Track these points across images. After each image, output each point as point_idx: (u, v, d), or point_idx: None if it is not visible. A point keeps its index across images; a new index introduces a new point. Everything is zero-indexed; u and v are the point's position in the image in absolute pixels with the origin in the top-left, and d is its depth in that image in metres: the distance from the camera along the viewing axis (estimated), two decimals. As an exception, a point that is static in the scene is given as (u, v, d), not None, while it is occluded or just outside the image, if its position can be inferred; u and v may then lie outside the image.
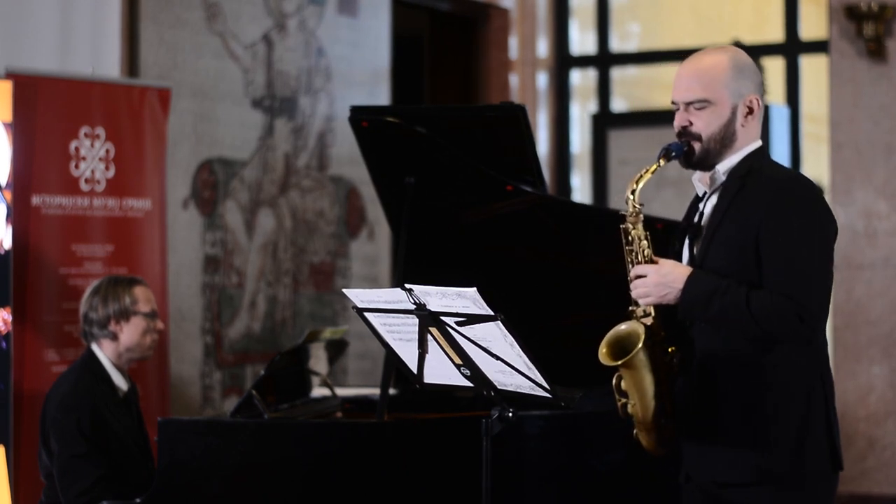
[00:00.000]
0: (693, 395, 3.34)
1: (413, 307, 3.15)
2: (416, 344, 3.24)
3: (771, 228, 3.23)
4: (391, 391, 4.74)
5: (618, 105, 8.79)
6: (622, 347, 3.32)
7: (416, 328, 3.20)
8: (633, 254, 3.37)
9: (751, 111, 3.35)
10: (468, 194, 4.63)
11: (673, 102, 3.39)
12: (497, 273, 4.81)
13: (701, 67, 3.35)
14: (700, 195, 3.45)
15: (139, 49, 6.06)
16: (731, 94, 3.33)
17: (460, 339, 3.14)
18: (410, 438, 4.22)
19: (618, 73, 8.76)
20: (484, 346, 3.13)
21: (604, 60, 8.55)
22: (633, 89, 9.28)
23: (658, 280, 3.30)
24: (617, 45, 8.81)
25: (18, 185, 4.99)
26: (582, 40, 8.78)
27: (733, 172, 3.34)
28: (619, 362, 3.29)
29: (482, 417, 3.22)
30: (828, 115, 7.37)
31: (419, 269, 4.26)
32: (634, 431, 3.40)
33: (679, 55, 8.79)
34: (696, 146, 3.34)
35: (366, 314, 3.27)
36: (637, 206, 3.36)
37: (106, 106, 5.34)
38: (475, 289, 3.02)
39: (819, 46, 7.81)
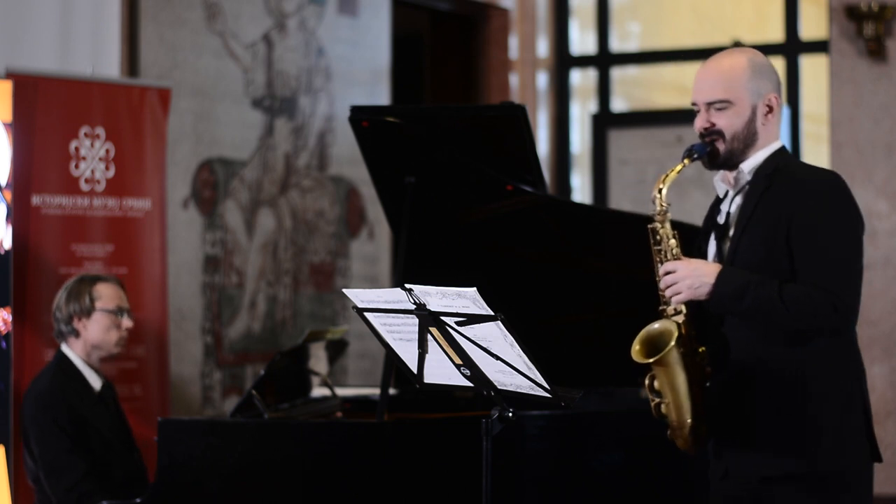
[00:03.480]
0: (730, 391, 3.35)
1: (413, 307, 3.14)
2: (416, 344, 3.24)
3: (802, 223, 3.27)
4: (391, 391, 4.74)
5: (618, 105, 8.79)
6: (655, 346, 3.34)
7: (416, 328, 3.20)
8: (662, 253, 3.41)
9: (770, 110, 3.41)
10: (468, 194, 4.63)
11: (693, 104, 3.43)
12: (497, 273, 4.81)
13: (720, 69, 3.40)
14: (721, 195, 3.48)
15: (139, 49, 6.05)
16: (751, 93, 3.38)
17: (460, 339, 3.14)
18: (410, 438, 4.22)
19: (618, 73, 8.76)
20: (484, 346, 3.13)
21: (604, 60, 8.55)
22: (633, 89, 9.28)
23: (688, 274, 3.33)
24: (617, 45, 8.80)
25: (18, 185, 4.98)
26: (582, 40, 8.77)
27: (758, 171, 3.38)
28: (653, 360, 3.31)
29: (482, 417, 3.22)
30: (828, 114, 7.38)
31: (419, 269, 4.26)
32: (668, 431, 3.41)
33: (679, 55, 8.86)
34: (721, 147, 3.39)
35: (366, 314, 3.27)
36: (664, 205, 3.41)
37: (106, 106, 5.34)
38: (475, 289, 3.02)
39: (819, 46, 7.81)
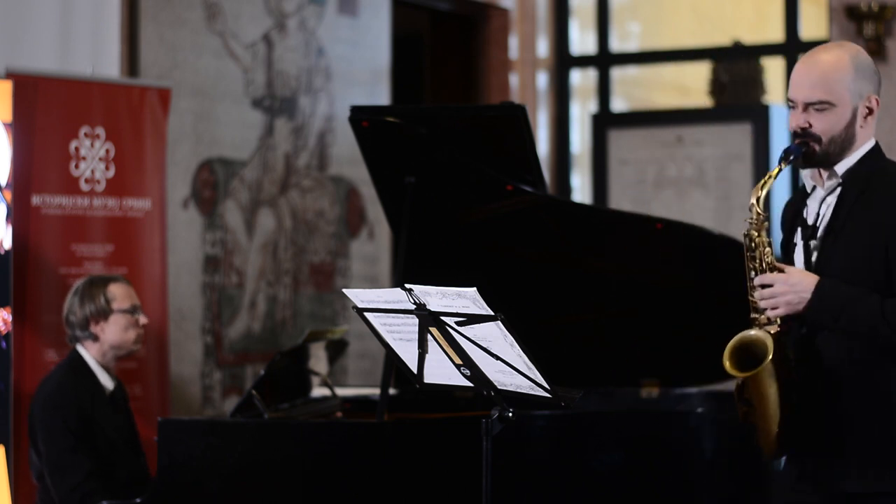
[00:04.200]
0: (817, 400, 3.28)
1: (413, 307, 3.14)
2: (416, 344, 3.24)
3: None
4: (391, 391, 4.74)
5: (618, 105, 8.79)
6: (748, 354, 3.27)
7: (416, 328, 3.20)
8: (756, 261, 3.31)
9: (870, 112, 3.30)
10: (468, 194, 4.63)
11: (790, 101, 3.32)
12: (497, 273, 4.81)
13: (822, 67, 3.27)
14: (809, 190, 3.38)
15: (139, 49, 6.05)
16: (853, 95, 3.27)
17: (460, 339, 3.14)
18: (410, 438, 4.22)
19: (618, 73, 8.76)
20: (484, 346, 3.13)
21: (604, 60, 8.55)
22: (633, 89, 9.28)
23: (787, 290, 3.24)
24: (617, 45, 8.80)
25: (18, 185, 4.98)
26: (582, 40, 8.77)
27: (852, 172, 3.29)
28: (749, 374, 3.24)
29: (482, 417, 3.22)
30: (828, 114, 7.36)
31: (419, 269, 4.26)
32: (756, 438, 3.35)
33: (679, 55, 8.86)
34: (816, 148, 3.27)
35: (366, 314, 3.27)
36: (761, 212, 3.31)
37: (106, 106, 5.34)
38: (475, 289, 3.02)
39: (819, 46, 7.81)
